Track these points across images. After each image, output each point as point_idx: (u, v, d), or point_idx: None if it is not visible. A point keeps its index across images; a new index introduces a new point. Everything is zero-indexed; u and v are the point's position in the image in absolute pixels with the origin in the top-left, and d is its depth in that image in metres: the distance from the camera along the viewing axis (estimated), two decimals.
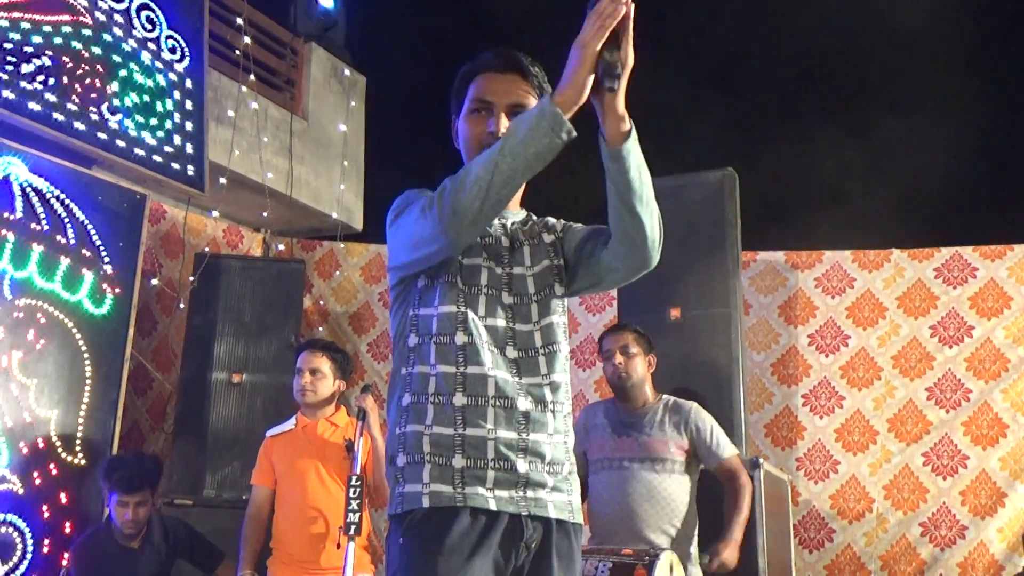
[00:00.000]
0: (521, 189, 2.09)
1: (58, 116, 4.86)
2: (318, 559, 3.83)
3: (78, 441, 4.80)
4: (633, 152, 1.86)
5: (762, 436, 5.67)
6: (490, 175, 1.83)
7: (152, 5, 5.53)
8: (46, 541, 4.58)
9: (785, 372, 5.76)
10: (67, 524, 4.67)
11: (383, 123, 8.29)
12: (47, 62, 4.86)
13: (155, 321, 6.30)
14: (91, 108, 5.04)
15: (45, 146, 4.85)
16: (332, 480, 3.90)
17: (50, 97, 4.84)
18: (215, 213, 6.37)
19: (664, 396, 4.00)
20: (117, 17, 5.31)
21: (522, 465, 1.93)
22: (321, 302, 6.78)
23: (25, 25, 4.82)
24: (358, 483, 3.51)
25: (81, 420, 4.83)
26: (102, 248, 5.02)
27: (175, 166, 5.45)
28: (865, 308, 5.73)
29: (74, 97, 4.96)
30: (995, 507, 5.23)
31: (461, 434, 1.92)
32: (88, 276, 4.94)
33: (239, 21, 6.57)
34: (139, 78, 5.35)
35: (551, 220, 2.19)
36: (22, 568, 4.48)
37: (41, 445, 4.65)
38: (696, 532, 3.83)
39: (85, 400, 4.85)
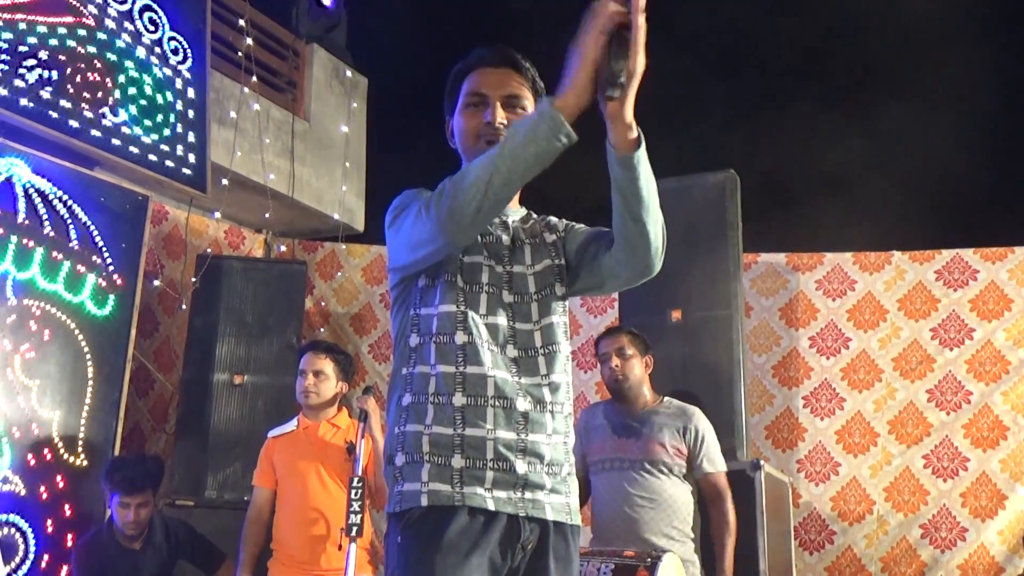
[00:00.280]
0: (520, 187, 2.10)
1: (61, 117, 4.87)
2: (318, 560, 3.83)
3: (80, 442, 4.80)
4: (641, 161, 1.86)
5: (763, 438, 5.68)
6: (489, 176, 1.83)
7: (154, 6, 5.54)
8: (48, 542, 4.59)
9: (786, 374, 5.77)
10: (69, 525, 4.68)
11: (385, 124, 8.30)
12: (50, 63, 4.87)
13: (157, 322, 6.31)
14: (94, 109, 5.05)
15: (48, 147, 4.86)
16: (333, 482, 3.90)
17: (53, 98, 4.85)
18: (217, 214, 6.38)
19: (666, 398, 4.00)
20: (120, 18, 5.32)
21: (521, 466, 1.93)
22: (323, 303, 6.79)
23: (28, 26, 4.83)
24: (360, 484, 3.52)
25: (83, 421, 4.83)
26: (104, 249, 5.03)
27: (177, 167, 5.46)
28: (866, 310, 5.74)
29: (77, 98, 4.97)
30: (995, 509, 5.23)
31: (460, 434, 1.92)
32: (90, 277, 4.95)
33: (241, 22, 6.58)
34: (141, 79, 5.36)
35: (553, 219, 2.20)
36: (24, 568, 4.49)
37: (43, 446, 4.66)
38: (697, 534, 3.84)
39: (87, 401, 4.86)
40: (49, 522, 4.61)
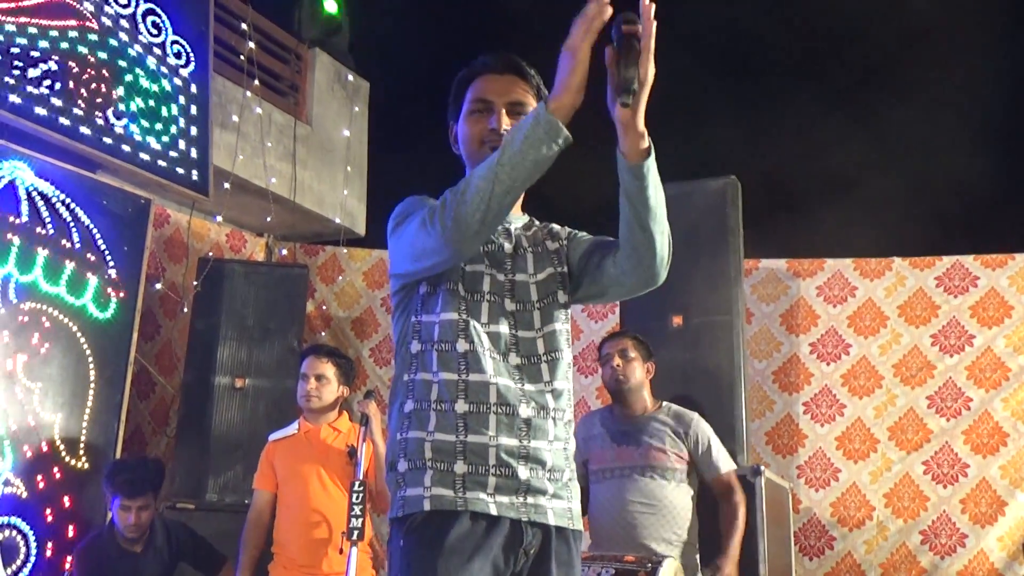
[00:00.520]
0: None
1: (64, 120, 4.89)
2: (319, 564, 3.84)
3: (81, 445, 4.81)
4: (651, 170, 1.87)
5: (763, 444, 5.68)
6: (490, 185, 1.83)
7: (158, 10, 5.56)
8: (49, 544, 4.59)
9: (786, 380, 5.77)
10: (70, 528, 4.69)
11: (386, 128, 8.32)
12: (53, 67, 4.89)
13: (158, 325, 6.32)
14: (97, 113, 5.06)
15: (51, 150, 4.87)
16: (334, 485, 3.91)
17: (56, 101, 4.86)
18: (219, 218, 6.39)
19: (665, 403, 4.01)
20: (123, 22, 5.33)
21: (523, 472, 1.94)
22: (324, 307, 6.80)
23: (32, 30, 4.85)
24: (361, 488, 3.52)
25: (85, 424, 4.84)
26: (107, 252, 5.04)
27: (180, 171, 5.47)
28: (866, 317, 5.74)
29: (80, 102, 4.99)
30: (995, 515, 5.24)
31: (463, 441, 1.93)
32: (93, 280, 4.96)
33: (243, 26, 6.60)
34: (144, 83, 5.37)
35: (555, 227, 2.20)
36: (25, 571, 4.50)
37: (45, 449, 4.66)
38: (697, 540, 3.85)
39: (89, 404, 4.87)
40: (50, 524, 4.62)
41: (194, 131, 5.61)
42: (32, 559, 4.53)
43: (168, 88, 5.51)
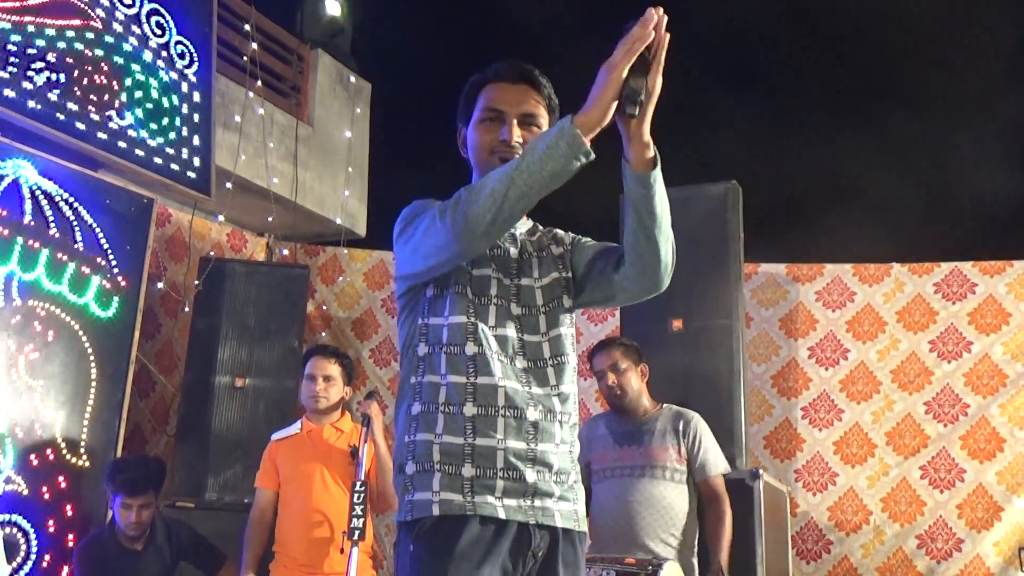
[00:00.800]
0: None
1: (67, 120, 4.90)
2: (321, 564, 3.86)
3: (82, 443, 4.82)
4: (657, 179, 1.89)
5: (761, 448, 5.70)
6: (506, 189, 1.85)
7: (162, 10, 5.57)
8: (49, 542, 4.60)
9: (785, 384, 5.79)
10: (71, 526, 4.69)
11: (388, 130, 8.34)
12: (57, 66, 4.90)
13: (159, 324, 6.34)
14: (100, 112, 5.08)
15: (54, 149, 4.88)
16: (336, 485, 3.93)
17: (60, 101, 4.87)
18: (221, 217, 6.41)
19: (666, 404, 4.04)
20: (127, 22, 5.35)
21: (530, 475, 1.96)
22: (324, 307, 6.81)
23: (36, 29, 4.86)
24: (362, 489, 3.54)
25: (86, 422, 4.85)
26: (109, 251, 5.05)
27: (182, 170, 5.48)
28: (865, 322, 5.76)
29: (84, 101, 5.00)
30: (991, 521, 5.26)
31: (471, 444, 1.95)
32: (95, 279, 4.97)
33: (247, 27, 6.62)
34: (148, 82, 5.39)
35: (559, 232, 2.22)
36: (26, 568, 4.50)
37: (46, 446, 4.67)
38: (696, 541, 3.87)
39: (90, 402, 4.88)
40: (51, 522, 4.63)
41: (197, 131, 5.62)
42: (32, 556, 4.54)
43: (171, 88, 5.53)
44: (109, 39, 5.22)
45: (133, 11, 5.40)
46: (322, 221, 7.29)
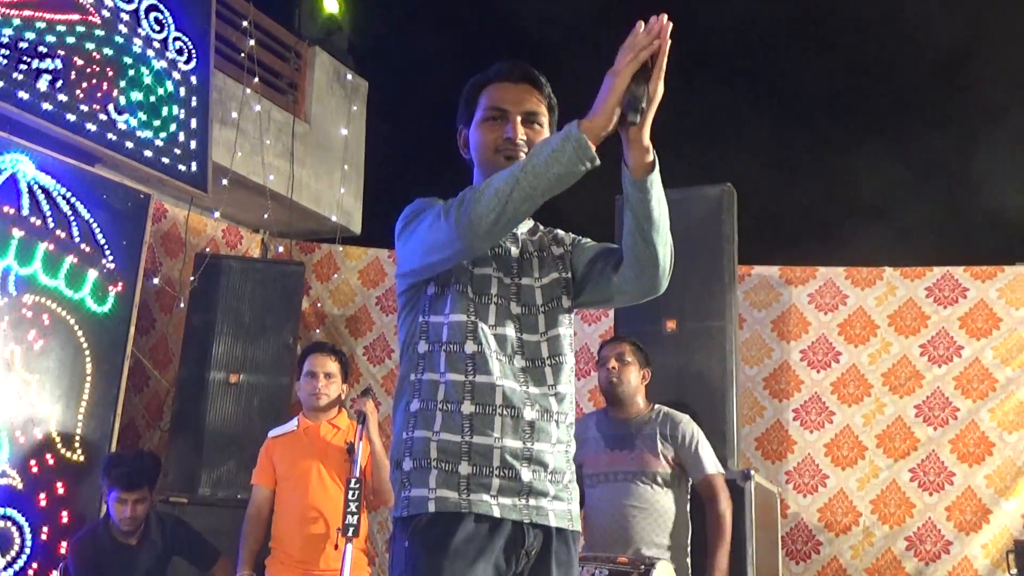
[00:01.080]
0: None
1: (65, 115, 4.91)
2: (317, 560, 3.87)
3: (77, 437, 4.84)
4: (656, 184, 1.91)
5: (753, 449, 5.73)
6: (510, 190, 1.87)
7: (160, 6, 5.58)
8: (44, 536, 4.62)
9: (777, 386, 5.83)
10: (65, 519, 4.71)
11: (384, 128, 8.36)
12: (56, 61, 4.91)
13: (153, 319, 6.35)
14: (98, 107, 5.09)
15: (52, 144, 4.89)
16: (333, 482, 3.94)
17: (57, 95, 4.88)
18: (217, 214, 6.42)
19: (656, 406, 4.06)
20: (125, 17, 5.36)
21: (526, 474, 1.98)
22: (318, 304, 6.82)
23: (35, 24, 4.87)
24: (357, 485, 3.55)
25: (81, 416, 4.87)
26: (106, 246, 5.07)
27: (179, 166, 5.50)
28: (857, 325, 5.80)
29: (81, 96, 5.01)
30: (980, 523, 5.30)
31: (468, 442, 1.97)
32: (91, 274, 4.98)
33: (244, 24, 6.63)
34: (146, 78, 5.40)
35: (560, 232, 2.24)
36: (20, 562, 4.52)
37: (41, 440, 4.69)
38: (689, 543, 3.90)
39: (85, 397, 4.89)
40: (45, 517, 4.64)
41: (194, 127, 5.64)
42: (27, 550, 4.55)
43: (169, 84, 5.54)
44: (107, 34, 5.23)
45: (132, 7, 5.41)
46: (318, 218, 7.31)
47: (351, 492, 3.53)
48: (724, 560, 3.81)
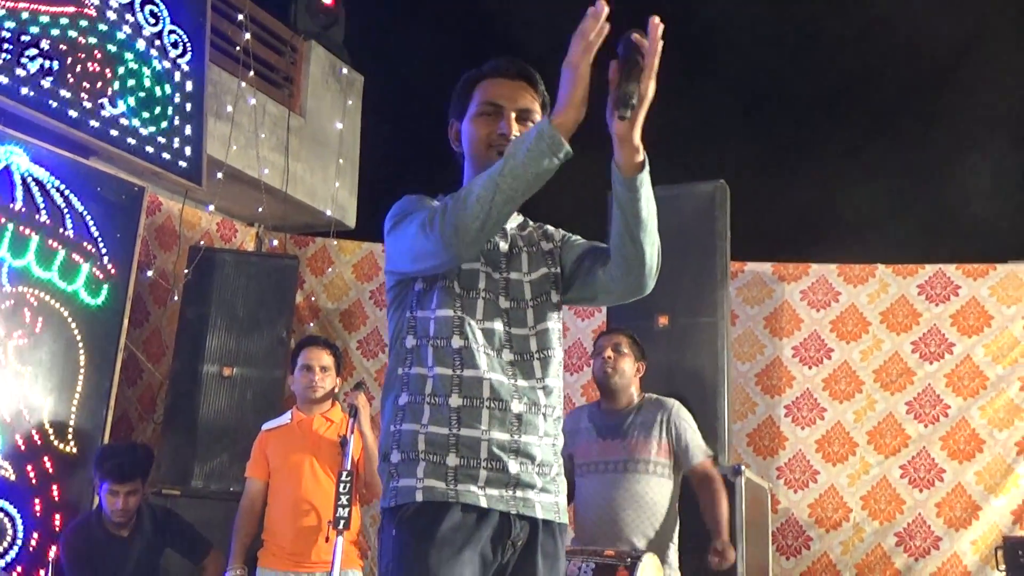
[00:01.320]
0: None
1: (60, 107, 4.92)
2: (308, 553, 3.88)
3: (70, 429, 4.85)
4: (645, 183, 1.91)
5: (744, 445, 5.76)
6: (491, 195, 1.88)
7: (155, 0, 5.58)
8: (36, 528, 4.63)
9: (769, 383, 5.85)
10: (57, 512, 4.72)
11: (379, 122, 8.36)
12: (51, 53, 4.91)
13: (147, 312, 6.35)
14: (93, 100, 5.09)
15: (46, 136, 4.90)
16: (326, 475, 3.95)
17: (52, 88, 4.89)
18: (211, 207, 6.42)
19: (646, 395, 4.07)
20: (121, 10, 5.36)
21: (513, 466, 1.99)
22: (312, 298, 6.83)
23: (30, 16, 4.87)
24: (348, 478, 3.56)
25: (73, 409, 4.87)
26: (100, 239, 5.07)
27: (173, 159, 5.51)
28: (849, 322, 5.82)
29: (76, 88, 5.01)
30: (969, 520, 5.33)
31: (456, 434, 1.98)
32: (85, 266, 4.99)
33: (240, 17, 6.63)
34: (141, 71, 5.40)
35: (550, 228, 2.25)
36: (12, 554, 4.53)
37: (34, 433, 4.70)
38: (676, 535, 3.91)
39: (78, 389, 4.90)
40: (37, 508, 4.65)
41: (188, 120, 5.64)
42: (19, 542, 4.56)
43: (164, 77, 5.54)
44: (102, 27, 5.23)
45: (126, 0, 5.41)
46: (312, 212, 7.31)
47: (342, 485, 3.54)
48: (726, 529, 3.83)
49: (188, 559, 4.45)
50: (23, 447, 4.64)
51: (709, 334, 4.98)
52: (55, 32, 4.96)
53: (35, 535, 4.62)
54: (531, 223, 2.26)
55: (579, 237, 2.24)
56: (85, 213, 5.02)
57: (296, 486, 3.96)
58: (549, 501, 2.05)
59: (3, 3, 4.75)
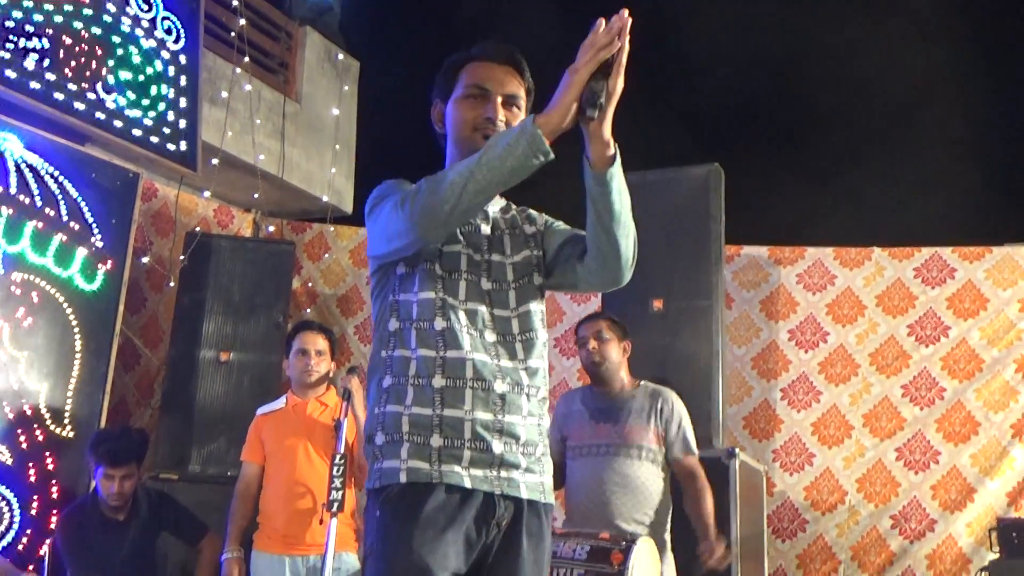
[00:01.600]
0: None
1: (54, 93, 4.91)
2: (303, 535, 3.91)
3: (66, 414, 4.86)
4: (616, 177, 1.92)
5: (740, 428, 5.77)
6: (464, 182, 1.89)
7: None
8: (33, 511, 4.65)
9: (765, 366, 5.85)
10: (54, 494, 4.74)
11: (375, 108, 8.35)
12: (44, 40, 4.91)
13: (144, 298, 6.36)
14: (87, 86, 5.09)
15: (40, 123, 4.90)
16: (320, 458, 3.97)
17: (46, 74, 4.88)
18: (207, 193, 6.42)
19: (643, 382, 4.08)
20: None
21: (497, 446, 2.00)
22: (310, 284, 6.84)
23: (25, 3, 4.86)
24: (342, 461, 3.57)
25: (70, 393, 4.89)
26: (95, 225, 5.08)
27: (169, 145, 5.50)
28: (845, 305, 5.82)
29: (70, 74, 5.01)
30: (964, 502, 5.34)
31: (439, 415, 1.99)
32: (80, 252, 5.00)
33: (235, 3, 6.61)
34: (135, 58, 5.39)
35: (533, 212, 2.26)
36: (8, 538, 4.55)
37: (30, 416, 4.71)
38: (669, 520, 3.92)
39: (74, 374, 4.92)
40: (34, 493, 4.67)
41: (183, 106, 5.64)
42: (15, 526, 4.58)
43: (158, 63, 5.54)
44: (95, 13, 5.22)
45: None
46: (309, 198, 7.31)
47: (336, 468, 3.55)
48: (713, 527, 3.85)
49: (184, 542, 4.47)
50: (19, 432, 4.66)
51: (704, 318, 4.98)
52: (49, 19, 4.96)
53: (31, 519, 4.64)
54: (514, 207, 2.26)
55: (562, 223, 2.24)
56: (80, 199, 5.02)
57: (291, 469, 3.98)
58: (534, 481, 2.06)
59: None
